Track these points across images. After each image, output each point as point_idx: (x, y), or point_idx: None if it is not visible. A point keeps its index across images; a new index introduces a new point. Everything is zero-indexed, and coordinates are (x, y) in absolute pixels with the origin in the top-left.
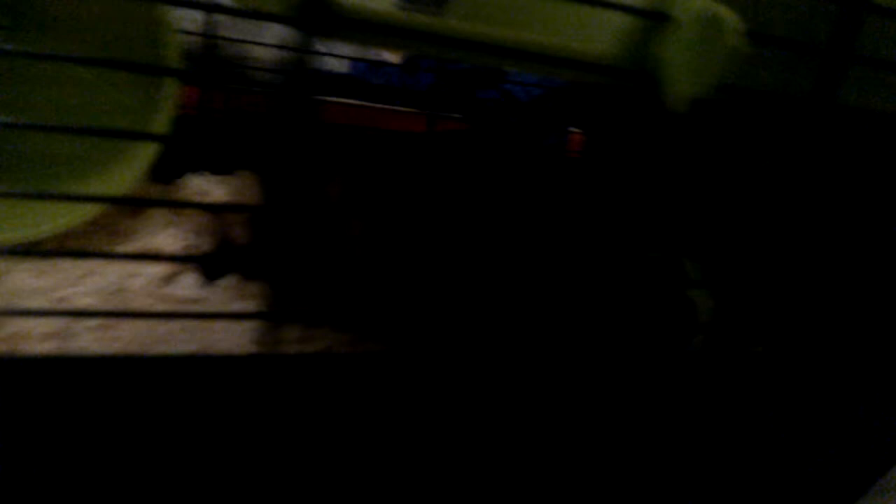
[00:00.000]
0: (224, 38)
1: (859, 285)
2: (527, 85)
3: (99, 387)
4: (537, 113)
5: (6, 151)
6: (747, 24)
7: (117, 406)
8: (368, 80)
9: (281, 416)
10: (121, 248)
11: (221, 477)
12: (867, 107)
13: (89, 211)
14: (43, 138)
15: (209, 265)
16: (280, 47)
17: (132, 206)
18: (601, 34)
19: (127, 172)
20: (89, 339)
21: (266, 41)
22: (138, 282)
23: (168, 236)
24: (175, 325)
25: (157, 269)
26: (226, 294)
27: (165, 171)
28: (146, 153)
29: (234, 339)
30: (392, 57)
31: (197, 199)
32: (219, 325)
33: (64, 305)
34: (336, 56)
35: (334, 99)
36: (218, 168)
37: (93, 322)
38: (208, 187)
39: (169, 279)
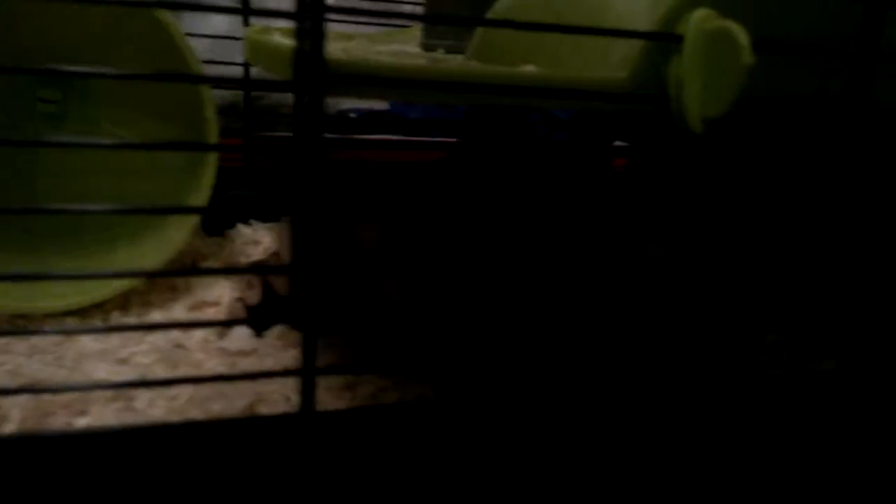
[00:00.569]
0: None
1: None
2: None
3: (162, 455)
4: (582, 129)
5: (67, 220)
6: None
7: (175, 474)
8: (405, 115)
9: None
10: (179, 303)
11: None
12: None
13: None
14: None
15: (257, 317)
16: None
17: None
18: (614, 62)
19: (180, 229)
20: (151, 397)
21: None
22: (195, 337)
23: (223, 287)
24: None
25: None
26: (276, 343)
27: (215, 222)
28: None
29: (285, 390)
30: None
31: (248, 248)
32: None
33: (127, 367)
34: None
35: (372, 137)
36: (265, 216)
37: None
38: (257, 236)
39: (222, 333)
